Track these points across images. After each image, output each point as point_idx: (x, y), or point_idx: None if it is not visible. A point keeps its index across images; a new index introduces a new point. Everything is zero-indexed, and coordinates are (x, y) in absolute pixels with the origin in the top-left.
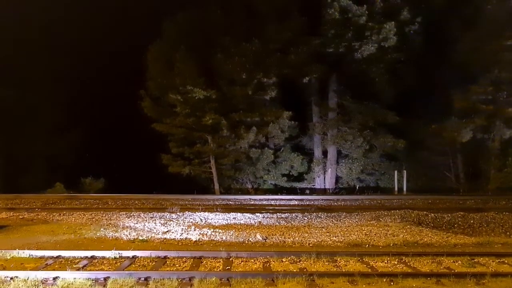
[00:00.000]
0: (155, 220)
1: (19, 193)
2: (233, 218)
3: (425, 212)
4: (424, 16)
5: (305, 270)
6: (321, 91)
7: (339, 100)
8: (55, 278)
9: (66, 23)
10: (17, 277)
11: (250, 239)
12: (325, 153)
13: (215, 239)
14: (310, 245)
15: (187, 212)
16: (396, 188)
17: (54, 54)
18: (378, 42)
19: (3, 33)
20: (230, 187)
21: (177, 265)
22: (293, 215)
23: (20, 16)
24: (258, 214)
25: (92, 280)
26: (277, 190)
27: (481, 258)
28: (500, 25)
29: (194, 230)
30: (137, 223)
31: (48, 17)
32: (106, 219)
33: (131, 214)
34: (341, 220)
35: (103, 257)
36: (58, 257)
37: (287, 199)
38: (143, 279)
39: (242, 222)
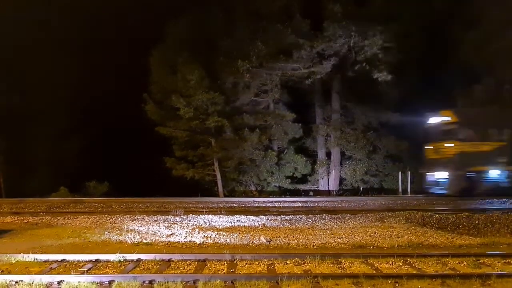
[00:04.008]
0: (159, 223)
1: (24, 197)
2: (237, 220)
3: (429, 213)
4: (427, 16)
5: (309, 272)
6: (324, 93)
7: (342, 101)
8: (59, 282)
9: (69, 28)
10: (22, 281)
11: (254, 241)
12: (328, 155)
13: (219, 241)
14: (315, 247)
15: (191, 215)
16: (400, 189)
17: (57, 60)
18: (381, 43)
19: (7, 38)
20: (233, 190)
21: (181, 268)
22: (297, 217)
23: (23, 22)
24: (262, 216)
25: (97, 283)
26: (281, 192)
27: (487, 259)
28: (503, 24)
29: (198, 233)
30: (141, 226)
31: (51, 22)
32: (110, 223)
33: (135, 217)
34: (345, 222)
35: (108, 261)
36: (62, 260)
37: (291, 201)
38: (148, 282)
39: (246, 224)
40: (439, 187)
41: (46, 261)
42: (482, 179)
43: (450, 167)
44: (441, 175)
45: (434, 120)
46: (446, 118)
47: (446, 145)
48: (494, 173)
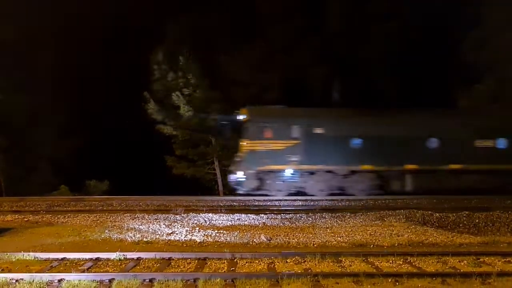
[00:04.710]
0: (159, 221)
1: (24, 195)
2: (237, 219)
3: (430, 212)
4: (427, 15)
5: (309, 270)
6: (324, 92)
7: (342, 100)
8: (60, 281)
9: (69, 27)
10: (22, 279)
11: (254, 240)
12: None
13: (219, 240)
14: (315, 245)
15: (191, 213)
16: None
17: (58, 59)
18: (382, 42)
19: (8, 36)
20: (234, 188)
21: (181, 267)
22: (298, 215)
23: (23, 19)
24: (262, 215)
25: (97, 282)
26: None
27: (487, 258)
28: (503, 22)
29: (199, 231)
30: (141, 225)
31: (51, 21)
32: (110, 221)
33: (136, 216)
34: (346, 221)
35: (108, 259)
36: (63, 259)
37: (291, 200)
38: (148, 280)
39: (246, 223)
40: (239, 186)
41: (46, 260)
42: (275, 178)
43: (244, 165)
44: (239, 173)
45: (238, 117)
46: (243, 116)
47: (241, 143)
48: (286, 172)
